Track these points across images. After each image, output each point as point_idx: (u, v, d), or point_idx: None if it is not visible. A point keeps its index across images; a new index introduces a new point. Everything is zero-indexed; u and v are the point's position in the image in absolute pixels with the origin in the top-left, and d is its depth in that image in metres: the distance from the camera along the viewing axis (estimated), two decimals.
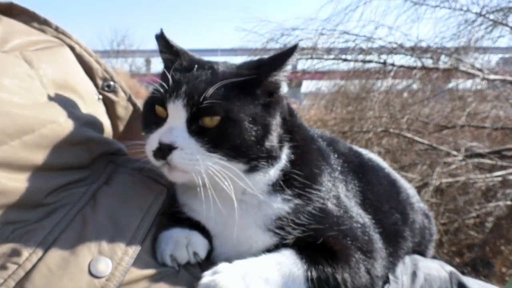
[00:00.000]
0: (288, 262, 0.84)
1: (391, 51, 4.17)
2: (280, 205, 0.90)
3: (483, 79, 3.99)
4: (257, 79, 0.88)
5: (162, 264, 0.85)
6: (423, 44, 4.14)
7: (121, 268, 0.78)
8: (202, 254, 0.88)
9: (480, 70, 3.98)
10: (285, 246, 0.89)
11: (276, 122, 0.90)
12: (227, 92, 0.84)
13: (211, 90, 0.83)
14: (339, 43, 4.20)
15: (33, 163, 0.81)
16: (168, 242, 0.86)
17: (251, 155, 0.85)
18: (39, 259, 0.74)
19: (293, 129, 0.96)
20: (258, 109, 0.87)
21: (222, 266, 0.79)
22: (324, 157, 1.01)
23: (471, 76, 4.07)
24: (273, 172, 0.90)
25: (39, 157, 0.82)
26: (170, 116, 0.86)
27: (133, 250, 0.81)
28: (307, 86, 6.21)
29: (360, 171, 1.12)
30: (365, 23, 4.14)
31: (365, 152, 1.27)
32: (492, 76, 3.95)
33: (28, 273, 0.72)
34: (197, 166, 0.82)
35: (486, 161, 4.08)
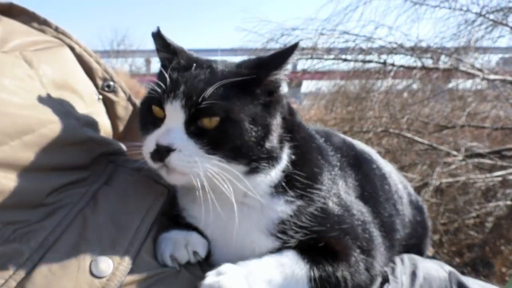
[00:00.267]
0: (290, 263, 0.84)
1: (391, 51, 4.18)
2: (283, 208, 0.89)
3: (483, 79, 4.00)
4: (257, 78, 0.85)
5: (163, 265, 0.84)
6: (423, 44, 4.15)
7: (122, 268, 0.78)
8: (202, 253, 0.88)
9: (480, 70, 3.98)
10: (287, 247, 0.88)
11: (276, 122, 0.88)
12: (226, 92, 0.82)
13: (210, 90, 0.80)
14: (339, 43, 4.20)
15: (33, 163, 0.81)
16: (168, 243, 0.86)
17: (252, 157, 0.84)
18: (40, 259, 0.74)
19: (293, 128, 0.94)
20: (258, 109, 0.85)
21: (225, 267, 0.79)
22: (324, 155, 1.00)
23: (471, 76, 4.07)
24: (275, 173, 0.88)
25: (39, 157, 0.82)
26: (168, 116, 0.83)
27: (134, 250, 0.81)
28: (307, 86, 6.22)
29: (356, 164, 1.11)
30: (365, 23, 4.15)
31: (356, 143, 1.25)
32: (492, 76, 3.95)
33: (29, 274, 0.72)
34: (195, 168, 0.80)
35: (486, 161, 4.09)
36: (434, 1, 4.06)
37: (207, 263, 0.89)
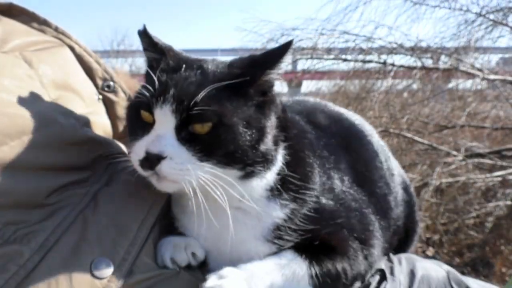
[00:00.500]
0: (290, 263, 0.84)
1: (391, 51, 4.17)
2: (278, 212, 0.87)
3: (483, 79, 3.99)
4: (250, 79, 0.81)
5: (163, 267, 0.84)
6: (423, 44, 4.14)
7: (122, 269, 0.78)
8: (201, 255, 0.88)
9: (480, 70, 3.98)
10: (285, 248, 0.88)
11: (271, 124, 0.85)
12: (218, 94, 0.78)
13: (202, 94, 0.76)
14: (339, 43, 4.19)
15: (33, 163, 0.81)
16: (168, 247, 0.86)
17: (247, 161, 0.80)
18: (41, 260, 0.74)
19: (286, 125, 0.91)
20: (252, 111, 0.82)
21: (227, 270, 0.79)
22: (315, 150, 0.97)
23: (471, 76, 4.06)
24: (270, 176, 0.86)
25: (39, 157, 0.82)
26: (158, 122, 0.79)
27: (135, 251, 0.81)
28: (307, 86, 6.20)
29: (347, 143, 1.08)
30: (365, 23, 4.13)
31: (344, 115, 1.20)
32: (492, 76, 3.94)
33: (29, 274, 0.72)
34: (187, 176, 0.77)
35: (486, 161, 4.08)
36: (434, 1, 4.05)
37: (205, 271, 0.88)
